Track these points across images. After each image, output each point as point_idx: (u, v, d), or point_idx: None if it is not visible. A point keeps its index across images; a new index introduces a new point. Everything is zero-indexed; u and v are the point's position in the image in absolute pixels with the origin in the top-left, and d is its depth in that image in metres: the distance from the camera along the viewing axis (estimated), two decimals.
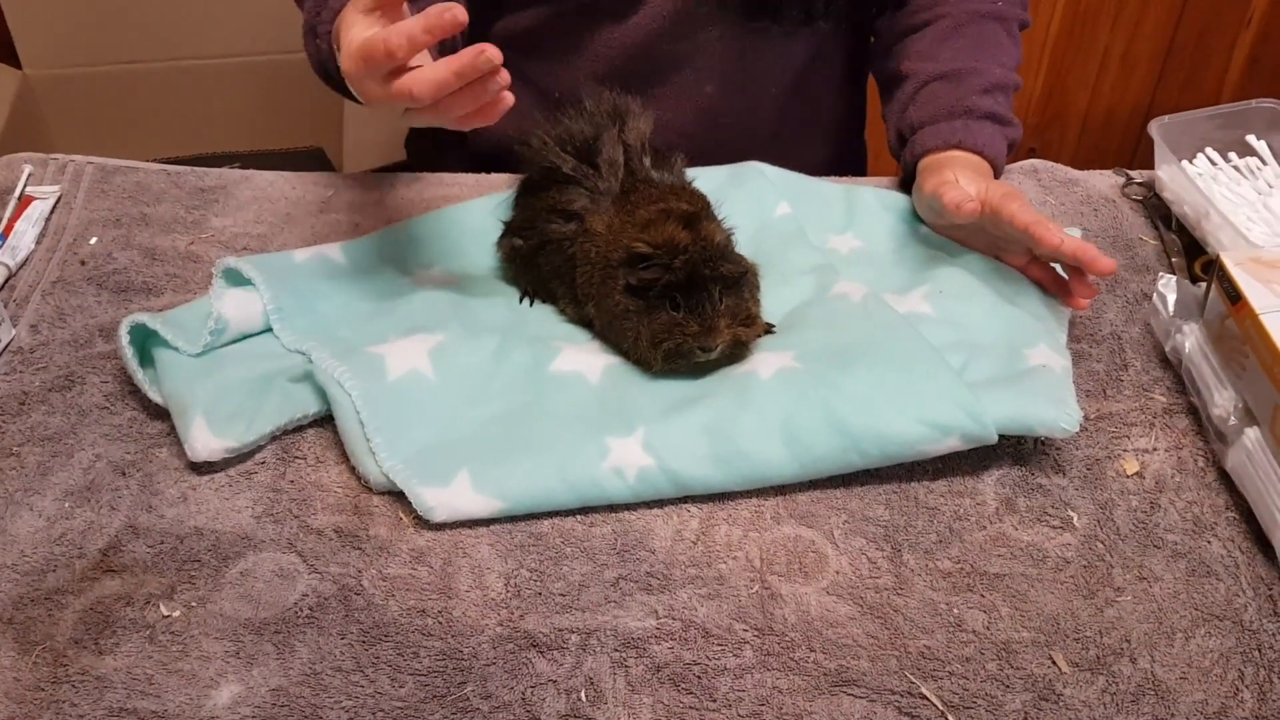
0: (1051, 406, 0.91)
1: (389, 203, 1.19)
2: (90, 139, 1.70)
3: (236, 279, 1.01)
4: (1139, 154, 2.40)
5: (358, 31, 0.84)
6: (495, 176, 1.22)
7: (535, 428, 0.92)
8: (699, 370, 0.96)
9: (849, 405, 0.90)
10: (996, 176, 1.11)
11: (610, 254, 0.96)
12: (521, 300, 1.06)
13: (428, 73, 0.78)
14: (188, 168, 1.21)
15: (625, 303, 0.95)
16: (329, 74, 1.05)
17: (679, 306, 0.93)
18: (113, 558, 0.85)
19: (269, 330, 1.00)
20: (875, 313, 0.98)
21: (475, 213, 1.13)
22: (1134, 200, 1.23)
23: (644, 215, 0.95)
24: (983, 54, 1.15)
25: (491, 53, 0.77)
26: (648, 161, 1.02)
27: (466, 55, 0.77)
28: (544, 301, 1.06)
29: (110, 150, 1.26)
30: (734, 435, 0.89)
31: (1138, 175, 1.25)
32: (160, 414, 0.95)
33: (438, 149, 1.37)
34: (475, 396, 0.95)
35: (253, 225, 1.14)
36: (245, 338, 1.00)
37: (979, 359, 0.97)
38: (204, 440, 0.90)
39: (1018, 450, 0.95)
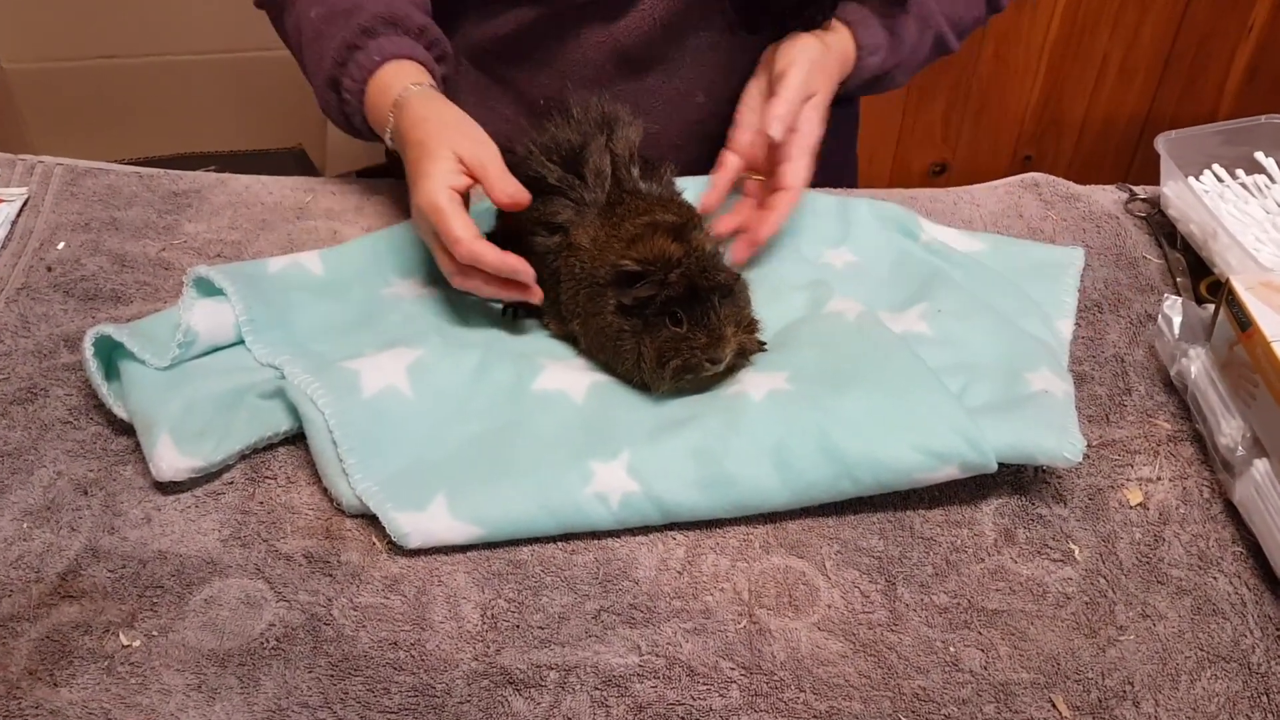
0: (1053, 435, 0.87)
1: (370, 209, 1.15)
2: (68, 135, 1.66)
3: (208, 288, 0.98)
4: (1136, 164, 2.37)
5: (441, 174, 0.93)
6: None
7: (516, 450, 0.89)
8: (699, 387, 0.92)
9: (843, 430, 0.86)
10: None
11: (596, 271, 0.92)
12: (505, 313, 1.02)
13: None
14: (161, 170, 1.17)
15: (619, 323, 0.91)
16: (351, 126, 1.07)
17: (680, 320, 0.89)
18: (71, 582, 0.81)
19: (241, 343, 0.96)
20: (870, 332, 0.94)
21: None
22: (1137, 217, 1.20)
23: (630, 230, 0.91)
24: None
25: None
26: (636, 172, 0.98)
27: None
28: (527, 316, 1.02)
29: (89, 147, 1.22)
30: (723, 460, 0.86)
31: (1142, 191, 1.22)
32: (126, 429, 0.91)
33: None
34: (454, 416, 0.91)
35: (227, 231, 1.10)
36: (216, 350, 0.96)
37: (978, 382, 0.93)
38: (169, 459, 0.86)
39: (1017, 478, 0.92)
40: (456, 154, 0.93)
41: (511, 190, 0.93)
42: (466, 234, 0.90)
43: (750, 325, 0.93)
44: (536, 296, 0.95)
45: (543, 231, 0.97)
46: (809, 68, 1.05)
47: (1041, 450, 0.87)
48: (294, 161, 1.58)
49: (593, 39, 1.15)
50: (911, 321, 0.99)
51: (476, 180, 0.94)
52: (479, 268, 0.91)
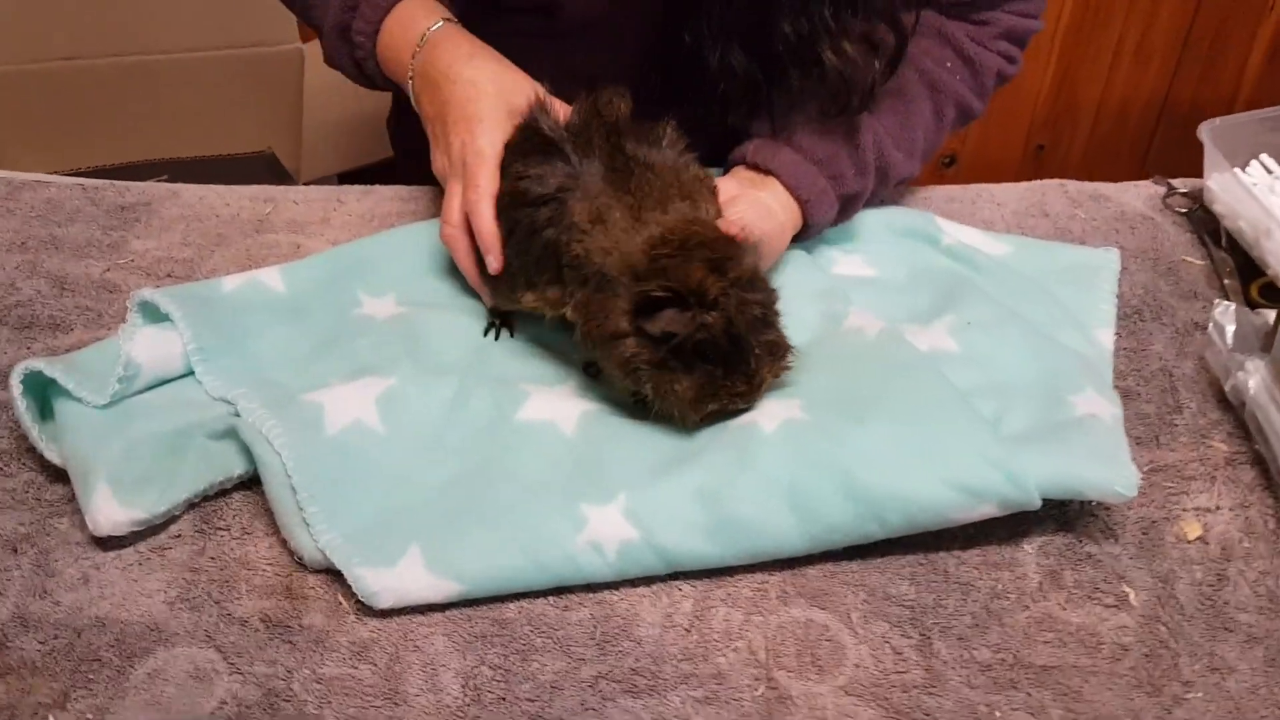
0: (1103, 466, 0.77)
1: (337, 220, 1.05)
2: (22, 141, 1.55)
3: (154, 314, 0.88)
4: (1152, 152, 2.27)
5: (499, 125, 0.88)
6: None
7: (499, 492, 0.79)
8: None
9: (866, 466, 0.76)
10: (806, 224, 0.97)
11: (607, 265, 0.80)
12: (487, 332, 0.92)
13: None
14: (106, 182, 1.07)
15: (635, 346, 0.79)
16: (362, 74, 1.01)
17: (713, 362, 0.79)
18: None
19: (190, 374, 0.86)
20: (893, 352, 0.84)
21: (435, 233, 0.99)
22: (1176, 213, 1.10)
23: (655, 228, 0.80)
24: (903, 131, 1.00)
25: None
26: (630, 143, 0.85)
27: None
28: (510, 336, 0.92)
29: (44, 153, 1.12)
30: (732, 501, 0.76)
31: (1180, 184, 1.11)
32: (62, 475, 0.81)
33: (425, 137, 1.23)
34: (429, 453, 0.81)
35: (179, 248, 1.00)
36: (162, 384, 0.86)
37: (1015, 407, 0.83)
38: (108, 511, 0.76)
39: (1061, 512, 0.82)
40: (511, 105, 0.88)
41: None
42: (489, 190, 0.86)
43: (783, 353, 0.82)
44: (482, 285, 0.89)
45: (533, 199, 0.84)
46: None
47: (1090, 485, 0.77)
48: (264, 167, 1.48)
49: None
50: (938, 336, 0.89)
51: None
52: (472, 226, 0.87)
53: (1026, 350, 0.88)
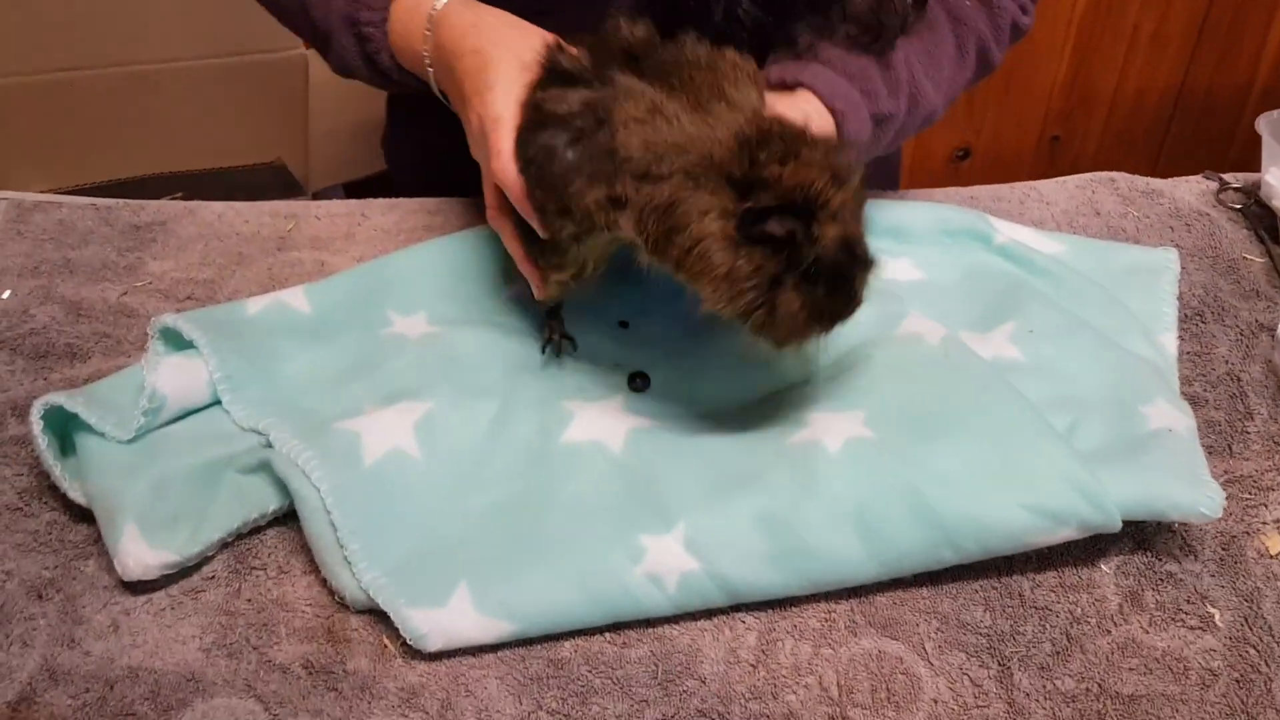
0: (1186, 485, 0.74)
1: (362, 235, 1.00)
2: (25, 157, 1.51)
3: (177, 340, 0.83)
4: (1169, 141, 2.24)
5: (509, 83, 0.80)
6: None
7: (548, 522, 0.75)
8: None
9: (938, 488, 0.72)
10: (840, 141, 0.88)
11: (685, 162, 0.70)
12: (545, 349, 0.87)
13: None
14: (120, 201, 1.02)
15: (744, 261, 0.69)
16: (378, 70, 0.93)
17: (816, 279, 0.70)
18: (24, 713, 0.67)
19: (217, 403, 0.82)
20: (960, 363, 0.80)
21: (466, 246, 0.95)
22: (1231, 209, 1.06)
23: (738, 127, 0.70)
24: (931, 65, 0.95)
25: None
26: (653, 60, 0.78)
27: None
28: (572, 352, 0.87)
29: (48, 169, 1.07)
30: (797, 528, 0.72)
31: (1233, 179, 1.07)
32: (87, 515, 0.77)
33: (423, 155, 1.18)
34: (472, 482, 0.77)
35: (198, 268, 0.96)
36: (188, 414, 0.82)
37: (1088, 420, 0.80)
38: (137, 554, 0.72)
39: (1138, 529, 0.78)
40: (522, 61, 0.80)
41: None
42: (511, 152, 0.77)
43: (872, 267, 0.73)
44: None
45: (560, 115, 0.75)
46: None
47: (1174, 505, 0.73)
48: (273, 176, 1.44)
49: None
50: (999, 344, 0.85)
51: None
52: (506, 195, 0.78)
53: (1094, 359, 0.84)
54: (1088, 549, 0.77)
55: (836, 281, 0.70)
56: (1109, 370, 0.83)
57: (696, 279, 0.71)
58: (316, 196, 1.50)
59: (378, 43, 0.90)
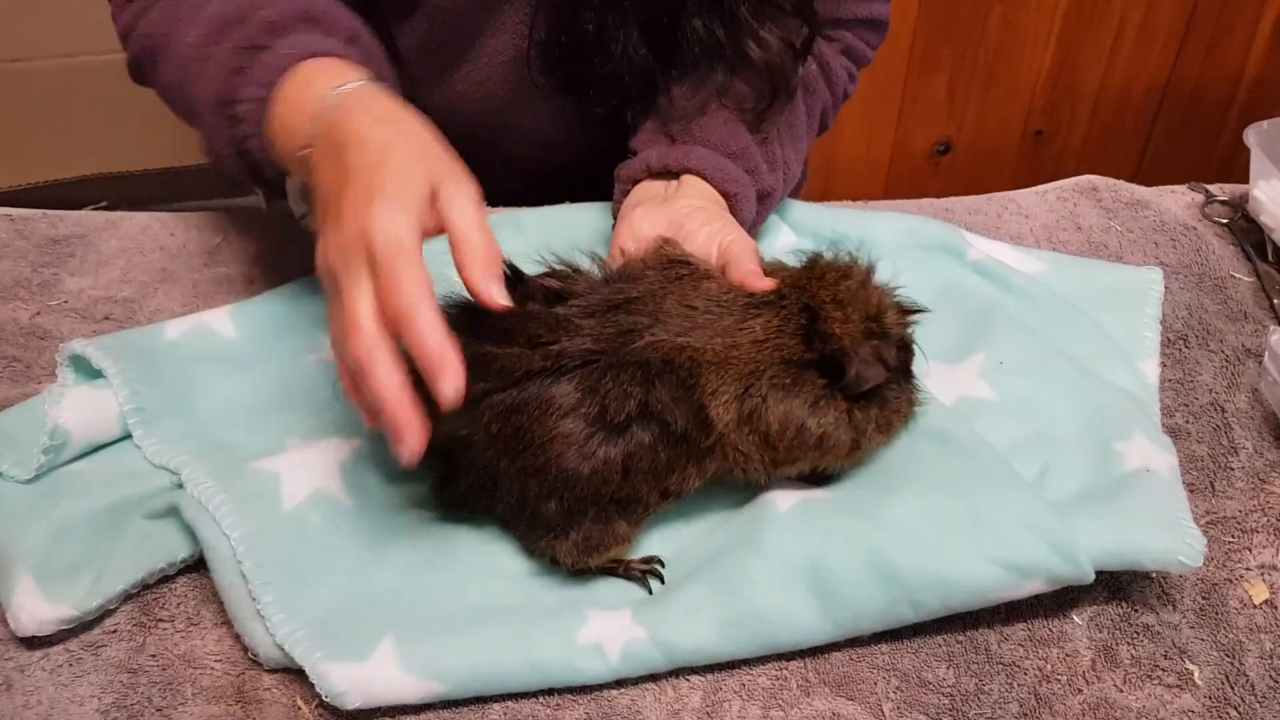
0: (1164, 533, 0.69)
1: (296, 250, 0.94)
2: None
3: (88, 368, 0.78)
4: (1155, 136, 2.18)
5: (411, 196, 0.62)
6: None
7: (486, 576, 0.70)
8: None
9: (896, 542, 0.67)
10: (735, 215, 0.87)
11: (760, 355, 0.68)
12: (640, 578, 0.74)
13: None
14: (38, 212, 0.96)
15: (829, 411, 0.69)
16: (245, 162, 0.77)
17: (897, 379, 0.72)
18: None
19: (129, 437, 0.76)
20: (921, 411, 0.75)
21: None
22: (1217, 223, 1.00)
23: (808, 294, 0.70)
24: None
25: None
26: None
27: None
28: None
29: None
30: (746, 589, 0.67)
31: (1219, 191, 1.02)
32: None
33: None
34: (403, 529, 0.72)
35: (119, 286, 0.90)
36: (96, 450, 0.76)
37: (1060, 462, 0.74)
38: (32, 607, 0.67)
39: (1113, 577, 0.73)
40: (431, 180, 0.64)
41: (496, 273, 0.63)
42: (422, 285, 0.60)
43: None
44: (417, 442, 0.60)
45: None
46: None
47: (1150, 555, 0.68)
48: (219, 179, 1.37)
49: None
50: (968, 381, 0.80)
51: (443, 231, 0.64)
52: (407, 339, 0.60)
53: (1069, 391, 0.79)
54: (1059, 599, 0.72)
55: (905, 370, 0.72)
56: (1085, 404, 0.78)
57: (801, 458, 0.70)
58: (267, 196, 1.43)
59: (251, 126, 0.73)
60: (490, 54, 0.95)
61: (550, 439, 0.65)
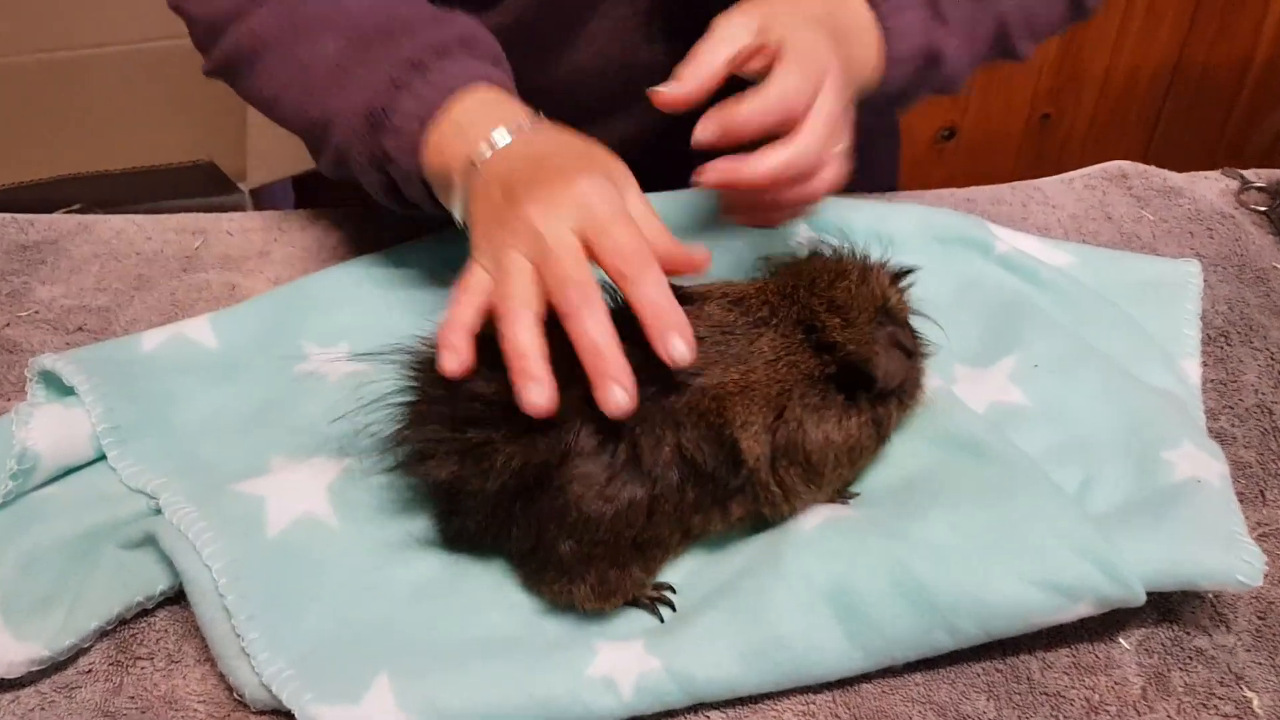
0: (1220, 550, 0.64)
1: (279, 253, 0.89)
2: None
3: (59, 384, 0.72)
4: (1163, 120, 2.13)
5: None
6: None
7: (486, 607, 0.65)
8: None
9: (928, 563, 0.62)
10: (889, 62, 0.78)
11: (783, 377, 0.64)
12: (652, 608, 0.70)
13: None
14: (8, 216, 0.90)
15: (856, 419, 0.66)
16: (381, 175, 0.76)
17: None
18: None
19: (104, 458, 0.71)
20: (949, 420, 0.70)
21: (398, 266, 0.84)
22: (1256, 211, 0.95)
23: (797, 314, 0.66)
24: None
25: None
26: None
27: None
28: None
29: None
30: (767, 615, 0.62)
31: (1255, 177, 0.97)
32: None
33: None
34: (396, 554, 0.67)
35: (92, 294, 0.85)
36: (68, 473, 0.71)
37: (1103, 472, 0.69)
38: (0, 647, 0.61)
39: (1160, 596, 0.68)
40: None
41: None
42: (593, 286, 0.60)
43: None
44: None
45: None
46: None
47: (1206, 574, 0.63)
48: (203, 178, 1.32)
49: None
50: (999, 386, 0.75)
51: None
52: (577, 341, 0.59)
53: (1108, 395, 0.74)
54: (1104, 622, 0.67)
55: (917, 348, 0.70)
56: (1125, 409, 0.73)
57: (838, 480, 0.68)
58: (255, 194, 1.38)
59: (405, 141, 0.72)
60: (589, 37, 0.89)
61: (569, 481, 0.61)
